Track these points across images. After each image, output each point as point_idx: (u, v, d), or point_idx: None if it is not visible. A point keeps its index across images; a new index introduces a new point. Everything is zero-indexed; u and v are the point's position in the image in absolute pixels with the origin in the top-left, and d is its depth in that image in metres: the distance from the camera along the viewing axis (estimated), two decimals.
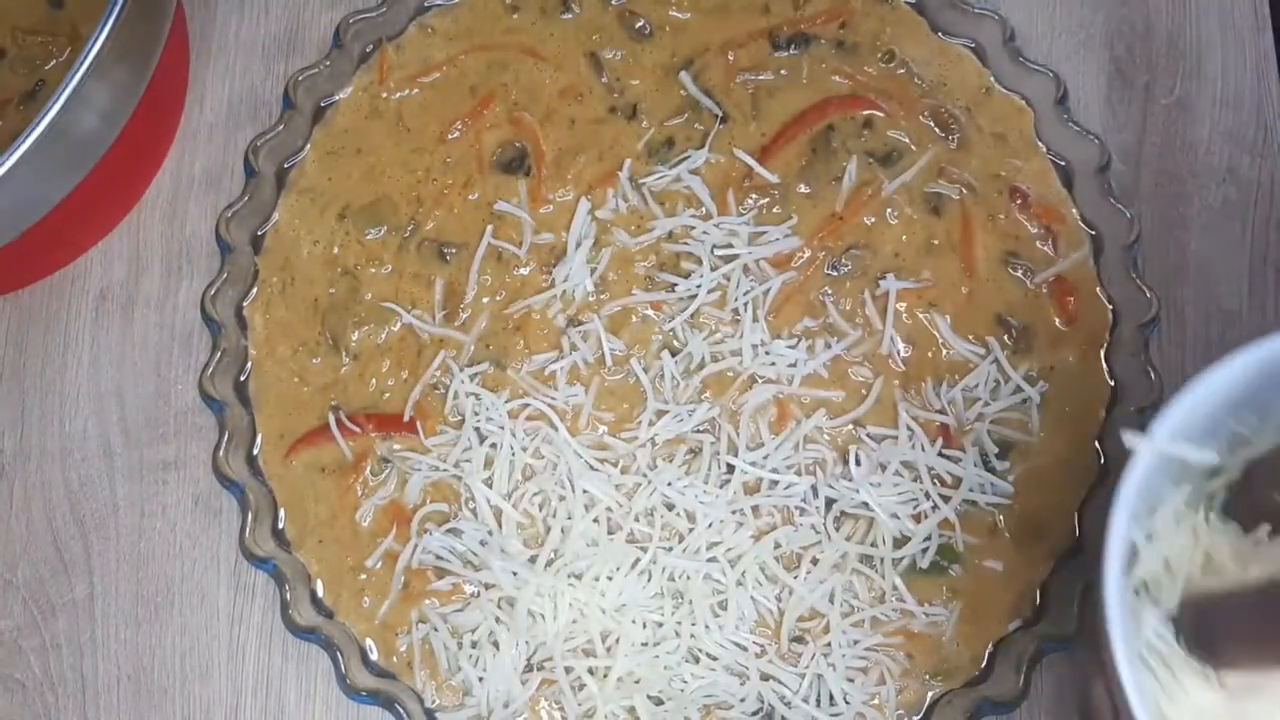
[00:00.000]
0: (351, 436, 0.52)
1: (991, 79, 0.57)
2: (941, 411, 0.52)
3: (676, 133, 0.56)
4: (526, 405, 0.52)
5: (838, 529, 0.51)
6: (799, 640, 0.50)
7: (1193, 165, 0.57)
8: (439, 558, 0.50)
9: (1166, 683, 0.36)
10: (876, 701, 0.49)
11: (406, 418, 0.52)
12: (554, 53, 0.58)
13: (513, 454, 0.51)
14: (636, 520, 0.50)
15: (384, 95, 0.57)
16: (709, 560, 0.50)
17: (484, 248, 0.54)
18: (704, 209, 0.54)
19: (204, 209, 0.58)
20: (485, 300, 0.54)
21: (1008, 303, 0.54)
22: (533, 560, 0.50)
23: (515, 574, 0.49)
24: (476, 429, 0.52)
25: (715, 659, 0.49)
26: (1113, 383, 0.53)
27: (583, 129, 0.56)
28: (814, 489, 0.51)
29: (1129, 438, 0.36)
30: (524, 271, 0.54)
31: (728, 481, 0.50)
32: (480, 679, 0.49)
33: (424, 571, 0.51)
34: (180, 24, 0.59)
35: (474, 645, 0.49)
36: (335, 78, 0.57)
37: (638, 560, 0.49)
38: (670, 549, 0.50)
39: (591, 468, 0.51)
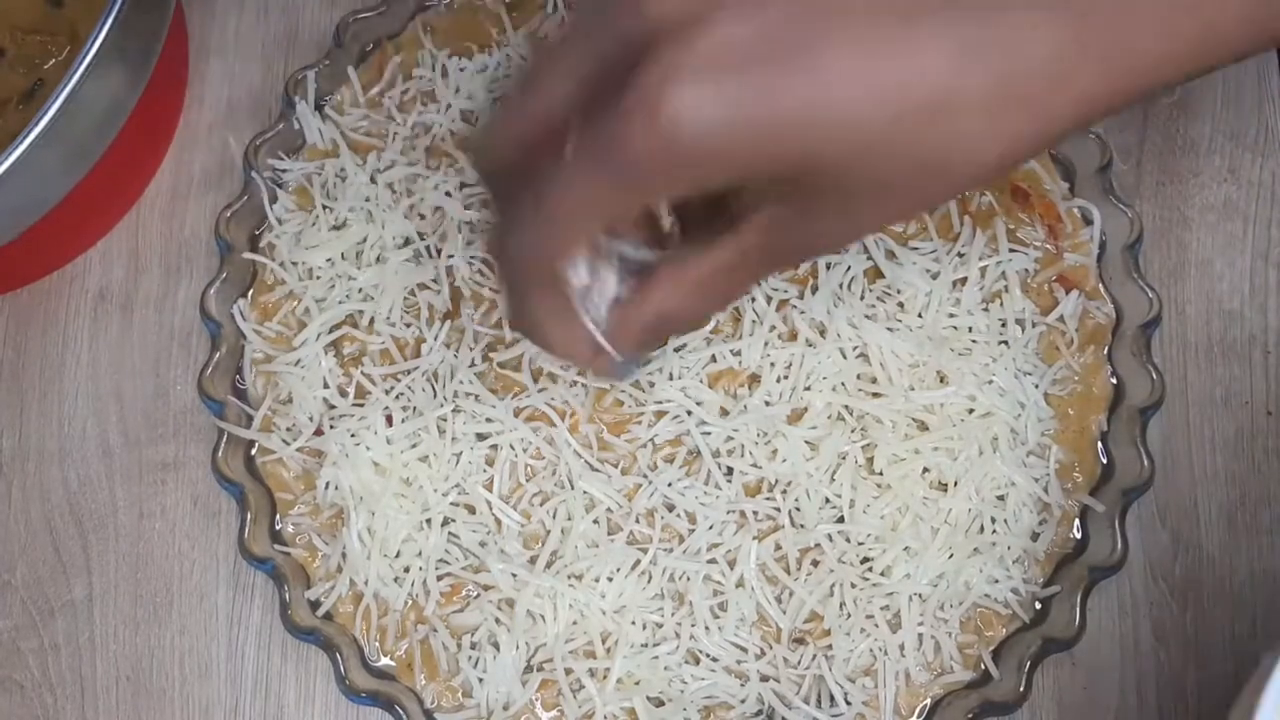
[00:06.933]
0: None
1: None
2: None
3: None
4: (526, 405, 0.52)
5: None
6: (799, 641, 0.50)
7: (1194, 164, 0.57)
8: (438, 559, 0.50)
9: None
10: (877, 702, 0.49)
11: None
12: None
13: (513, 454, 0.51)
14: (637, 521, 0.50)
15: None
16: (709, 561, 0.49)
17: (484, 247, 0.54)
18: None
19: (203, 208, 0.58)
20: (486, 299, 0.54)
21: None
22: (532, 561, 0.50)
23: (514, 575, 0.49)
24: (476, 430, 0.51)
25: (715, 660, 0.49)
26: (1115, 382, 0.53)
27: None
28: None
29: None
30: None
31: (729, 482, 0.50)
32: (480, 680, 0.49)
33: None
34: (179, 23, 0.59)
35: (474, 646, 0.49)
36: (334, 77, 0.57)
37: (638, 561, 0.49)
38: (670, 550, 0.50)
39: (592, 468, 0.51)
